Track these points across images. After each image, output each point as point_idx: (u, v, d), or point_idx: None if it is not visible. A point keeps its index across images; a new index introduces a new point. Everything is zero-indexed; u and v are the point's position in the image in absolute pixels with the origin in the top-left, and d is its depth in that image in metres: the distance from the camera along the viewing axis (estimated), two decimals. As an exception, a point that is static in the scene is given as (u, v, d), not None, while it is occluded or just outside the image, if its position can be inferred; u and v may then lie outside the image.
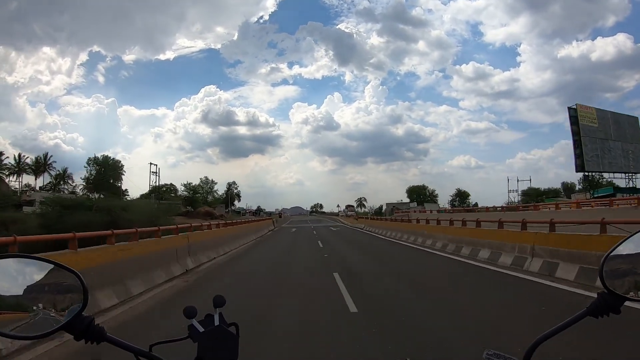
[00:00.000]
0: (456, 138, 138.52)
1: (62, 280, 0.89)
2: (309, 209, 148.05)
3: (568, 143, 54.60)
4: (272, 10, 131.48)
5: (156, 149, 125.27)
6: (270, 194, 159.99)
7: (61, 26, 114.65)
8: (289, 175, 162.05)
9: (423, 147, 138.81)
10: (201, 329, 0.93)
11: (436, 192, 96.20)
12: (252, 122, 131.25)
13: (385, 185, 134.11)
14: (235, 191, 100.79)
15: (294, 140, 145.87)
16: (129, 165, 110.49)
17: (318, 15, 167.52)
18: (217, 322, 0.94)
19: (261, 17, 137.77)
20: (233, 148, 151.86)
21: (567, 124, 52.04)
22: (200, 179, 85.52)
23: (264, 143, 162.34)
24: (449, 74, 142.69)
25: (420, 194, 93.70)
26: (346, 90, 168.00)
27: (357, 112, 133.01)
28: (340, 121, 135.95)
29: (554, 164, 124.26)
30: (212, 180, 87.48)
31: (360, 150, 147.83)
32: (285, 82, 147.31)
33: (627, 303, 0.86)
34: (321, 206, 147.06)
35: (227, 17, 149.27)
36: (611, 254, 0.91)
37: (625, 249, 0.91)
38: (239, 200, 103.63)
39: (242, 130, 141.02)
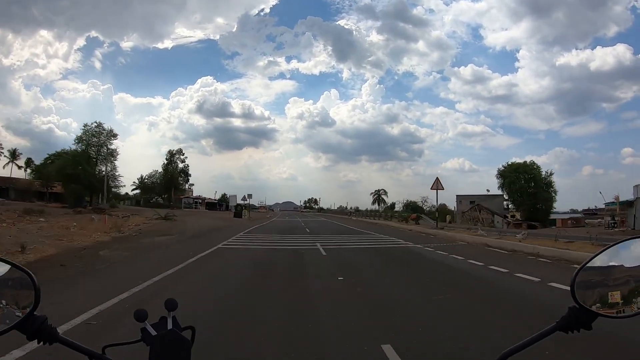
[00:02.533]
0: (451, 140, 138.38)
1: (13, 280, 0.86)
2: (301, 203, 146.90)
3: (563, 151, 54.03)
4: (274, 3, 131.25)
5: (150, 138, 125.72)
6: (263, 188, 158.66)
7: (60, 10, 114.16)
8: (283, 170, 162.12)
9: (418, 148, 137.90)
10: (154, 333, 0.91)
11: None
12: (248, 115, 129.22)
13: (378, 185, 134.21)
14: (182, 165, 75.16)
15: (289, 134, 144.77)
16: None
17: (318, 10, 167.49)
18: (170, 326, 0.92)
19: (262, 10, 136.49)
20: (227, 140, 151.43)
21: (564, 130, 50.82)
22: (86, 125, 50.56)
23: (259, 136, 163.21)
24: (447, 75, 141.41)
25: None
26: (343, 87, 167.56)
27: (352, 110, 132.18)
28: (336, 118, 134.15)
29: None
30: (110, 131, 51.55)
31: (354, 148, 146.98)
32: (282, 76, 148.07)
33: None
34: (316, 201, 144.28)
35: (228, 8, 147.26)
36: (584, 267, 0.90)
37: (597, 264, 0.90)
38: (187, 180, 78.25)
39: (237, 122, 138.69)
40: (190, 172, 79.53)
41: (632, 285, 0.87)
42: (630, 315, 0.86)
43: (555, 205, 60.05)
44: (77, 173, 45.99)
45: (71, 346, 0.84)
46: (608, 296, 0.87)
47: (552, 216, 57.19)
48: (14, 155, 63.95)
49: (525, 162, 59.27)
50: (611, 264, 0.89)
